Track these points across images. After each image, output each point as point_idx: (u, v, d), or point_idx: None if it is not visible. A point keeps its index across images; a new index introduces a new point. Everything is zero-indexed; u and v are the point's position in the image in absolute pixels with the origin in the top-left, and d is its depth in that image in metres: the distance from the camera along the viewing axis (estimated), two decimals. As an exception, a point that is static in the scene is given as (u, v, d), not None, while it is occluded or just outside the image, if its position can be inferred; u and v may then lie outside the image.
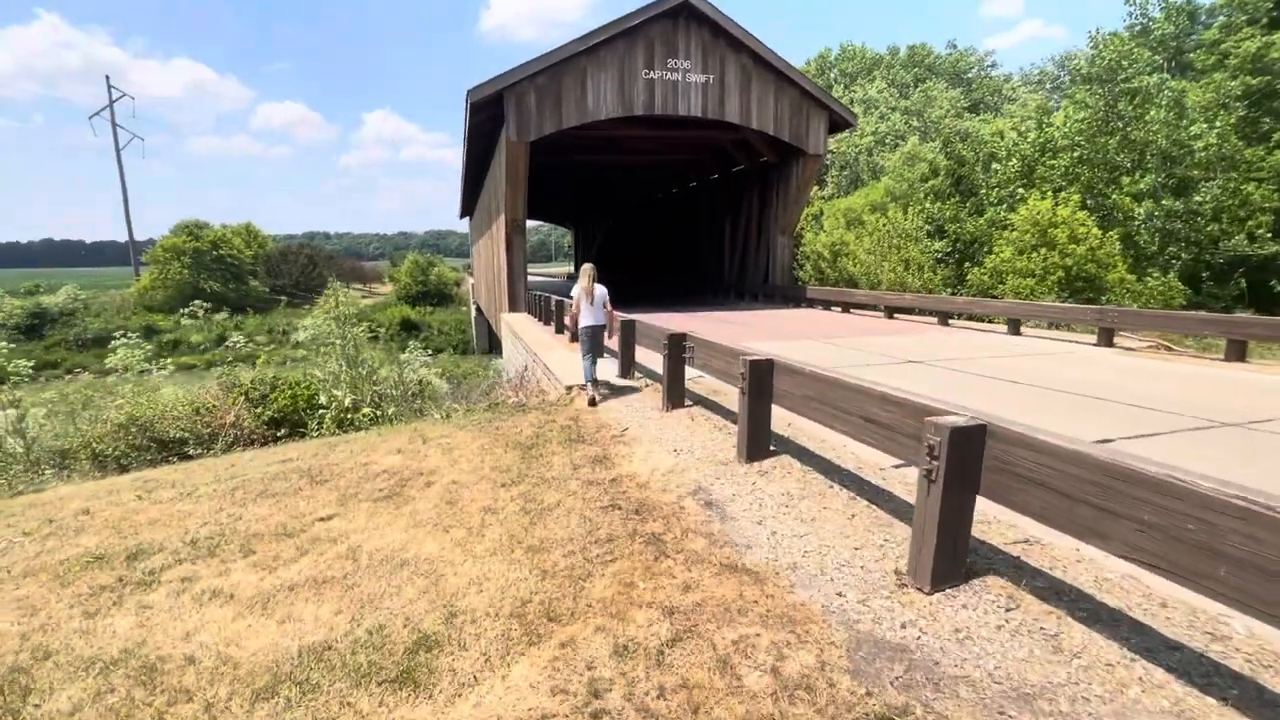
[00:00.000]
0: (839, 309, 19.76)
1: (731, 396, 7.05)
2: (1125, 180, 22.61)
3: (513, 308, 20.05)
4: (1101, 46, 22.60)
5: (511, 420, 7.13)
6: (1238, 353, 9.99)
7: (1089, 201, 21.99)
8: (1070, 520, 2.53)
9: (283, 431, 8.30)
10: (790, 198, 22.65)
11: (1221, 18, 28.67)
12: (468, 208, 41.29)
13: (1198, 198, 20.66)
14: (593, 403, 7.49)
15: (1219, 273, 22.95)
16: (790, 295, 22.10)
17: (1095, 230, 19.62)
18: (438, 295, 74.79)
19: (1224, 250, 21.38)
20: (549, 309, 14.79)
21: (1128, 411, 6.53)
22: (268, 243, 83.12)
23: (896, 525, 3.75)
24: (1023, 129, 24.92)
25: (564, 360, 10.28)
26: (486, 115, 19.36)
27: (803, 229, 30.25)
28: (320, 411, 8.48)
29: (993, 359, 10.37)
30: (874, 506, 4.04)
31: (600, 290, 8.09)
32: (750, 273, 25.11)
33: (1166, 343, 11.95)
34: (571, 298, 8.15)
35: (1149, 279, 18.78)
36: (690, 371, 7.12)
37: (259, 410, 8.50)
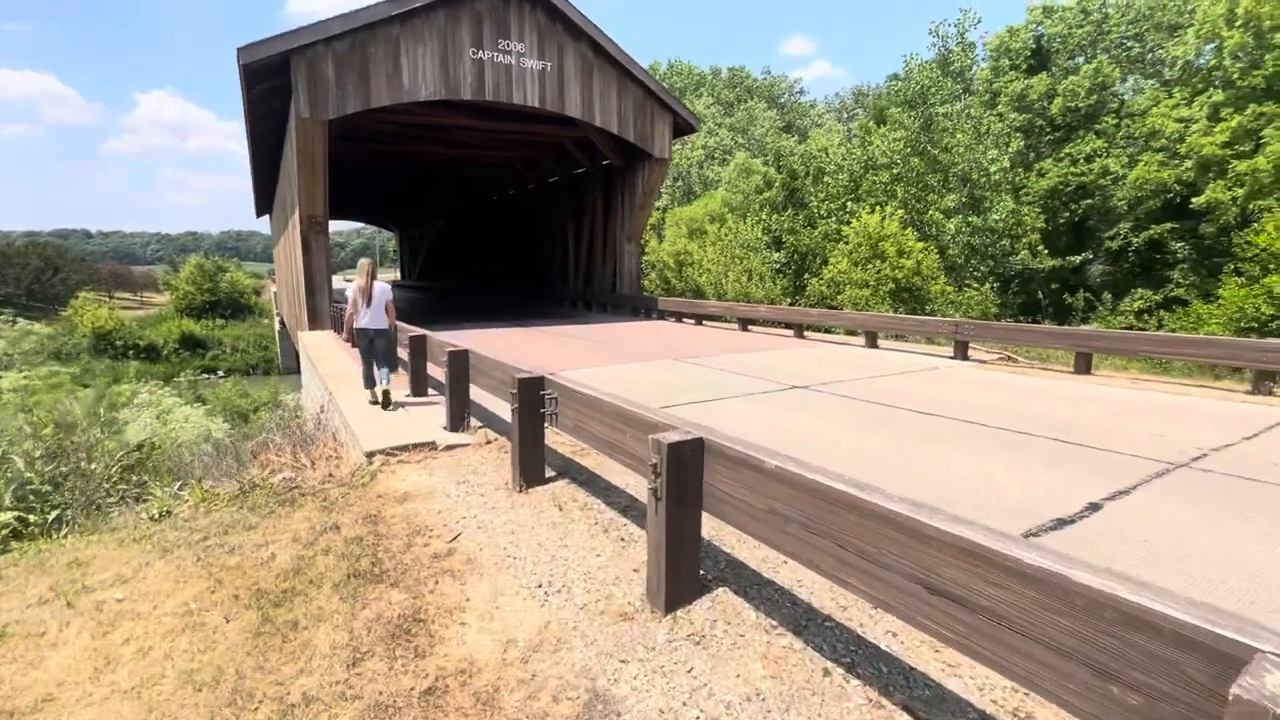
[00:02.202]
0: (691, 321, 18.72)
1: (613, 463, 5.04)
2: (932, 198, 24.57)
3: (313, 324, 16.24)
4: (915, 72, 24.39)
5: (265, 527, 4.44)
6: (1085, 365, 10.15)
7: (907, 217, 23.51)
8: None
9: None
10: (636, 203, 21.32)
11: (990, 60, 32.89)
12: (264, 204, 34.82)
13: (994, 216, 22.94)
14: (381, 403, 7.24)
15: (1005, 283, 25.89)
16: (639, 306, 20.72)
17: (918, 245, 20.80)
18: (231, 306, 63.92)
19: (1013, 264, 24.06)
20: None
21: (1061, 451, 5.63)
22: (-19, 240, 65.62)
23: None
24: (850, 145, 26.27)
25: (370, 409, 7.56)
26: (271, 86, 15.48)
27: (645, 238, 29.37)
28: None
29: (875, 379, 9.54)
30: (921, 724, 2.25)
31: (380, 289, 7.52)
32: (597, 282, 23.41)
33: (1010, 354, 12.25)
34: (348, 296, 7.59)
35: (968, 290, 20.21)
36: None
37: None
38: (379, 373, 7.43)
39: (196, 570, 3.81)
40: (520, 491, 4.77)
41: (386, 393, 7.28)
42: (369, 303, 7.37)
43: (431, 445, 6.05)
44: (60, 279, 62.88)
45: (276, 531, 4.34)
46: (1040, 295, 21.64)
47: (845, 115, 74.13)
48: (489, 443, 6.21)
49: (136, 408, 10.29)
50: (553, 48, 17.52)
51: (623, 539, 3.87)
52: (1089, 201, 27.07)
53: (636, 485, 4.85)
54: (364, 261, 7.60)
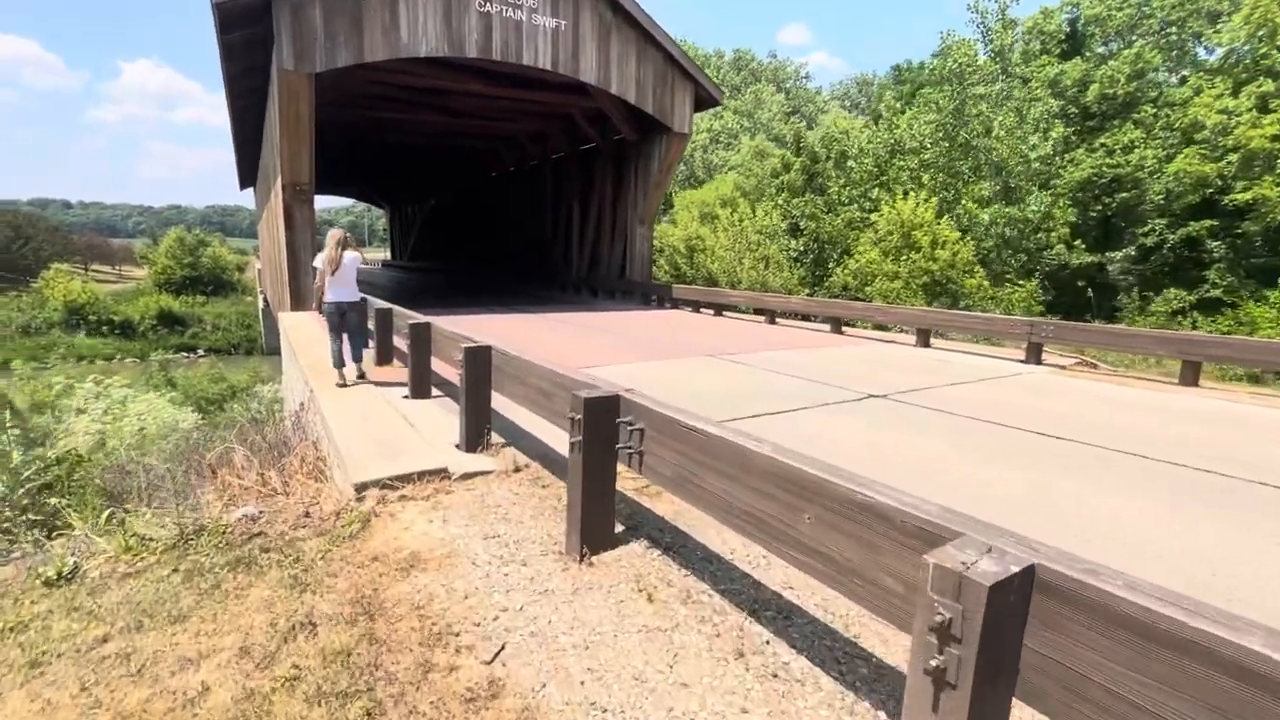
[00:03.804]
0: (710, 311, 17.19)
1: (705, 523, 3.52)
2: (963, 186, 23.11)
3: (295, 305, 14.57)
4: (953, 49, 22.79)
5: (200, 619, 2.93)
6: (1192, 376, 8.79)
7: (938, 205, 22.04)
8: None
9: None
10: (651, 182, 19.66)
11: (1021, 45, 31.30)
12: (248, 174, 32.75)
13: (1032, 207, 21.52)
14: (359, 379, 7.04)
15: (1035, 277, 24.53)
16: (651, 294, 19.14)
17: (954, 235, 19.37)
18: (213, 282, 61.53)
19: (1048, 258, 22.71)
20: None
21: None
22: (-53, 207, 62.63)
23: None
24: (875, 127, 24.70)
25: (359, 416, 6.04)
26: (251, 33, 13.67)
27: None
28: None
29: (955, 387, 8.12)
30: None
31: (350, 259, 7.04)
32: (604, 266, 21.78)
33: (1089, 360, 10.89)
34: (316, 268, 7.09)
35: (1009, 285, 18.83)
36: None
37: None
38: (350, 351, 7.09)
39: (72, 715, 2.30)
40: (581, 562, 3.28)
41: (361, 374, 7.10)
42: (335, 273, 6.90)
43: (443, 474, 4.54)
44: (31, 249, 60.09)
45: (218, 629, 2.83)
46: (1056, 291, 20.38)
47: (849, 103, 72.47)
48: (518, 470, 4.71)
49: (84, 398, 8.63)
50: (568, 4, 15.79)
51: (774, 674, 2.40)
52: (1124, 195, 25.72)
53: (747, 553, 3.38)
54: (334, 231, 7.20)
